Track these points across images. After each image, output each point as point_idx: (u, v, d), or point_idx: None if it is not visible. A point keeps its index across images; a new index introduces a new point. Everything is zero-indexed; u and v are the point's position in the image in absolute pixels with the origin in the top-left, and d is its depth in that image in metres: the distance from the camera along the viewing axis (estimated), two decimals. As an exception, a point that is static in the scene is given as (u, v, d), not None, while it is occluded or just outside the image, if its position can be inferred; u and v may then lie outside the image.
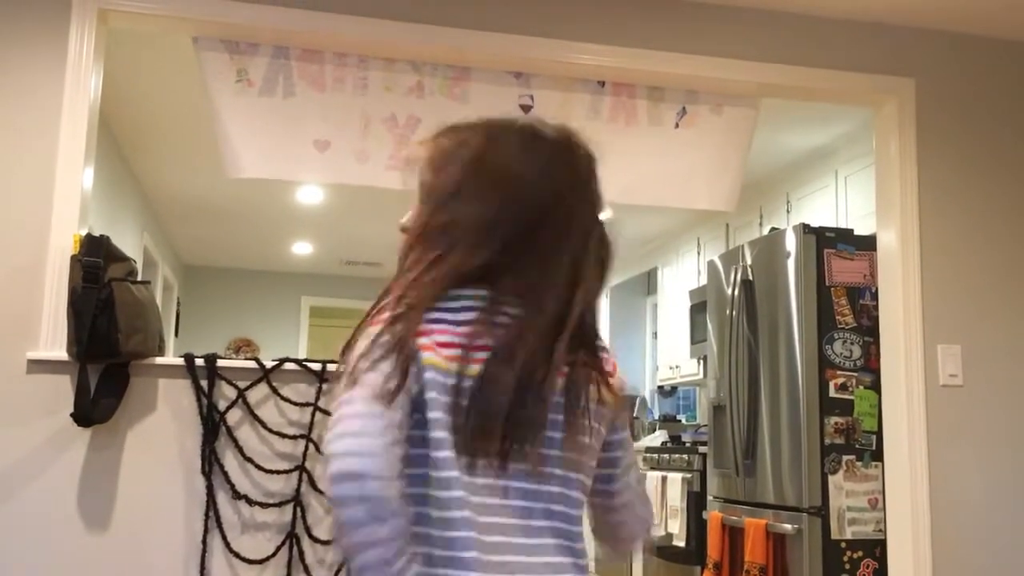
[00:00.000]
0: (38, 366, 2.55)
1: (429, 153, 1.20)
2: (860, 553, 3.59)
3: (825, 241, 3.78)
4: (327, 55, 3.01)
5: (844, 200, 4.48)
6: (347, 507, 0.96)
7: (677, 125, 3.27)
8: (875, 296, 3.59)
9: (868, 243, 3.70)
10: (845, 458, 3.64)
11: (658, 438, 5.86)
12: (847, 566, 3.57)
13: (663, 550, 4.95)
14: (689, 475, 4.72)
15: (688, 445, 5.19)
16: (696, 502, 4.63)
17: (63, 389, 2.53)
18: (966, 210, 3.33)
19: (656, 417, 6.77)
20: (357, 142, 3.03)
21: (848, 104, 3.59)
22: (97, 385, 2.52)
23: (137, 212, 5.67)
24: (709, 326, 4.53)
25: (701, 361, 5.47)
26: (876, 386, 3.55)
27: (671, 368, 6.30)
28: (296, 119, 2.98)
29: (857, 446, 3.66)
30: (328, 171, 3.05)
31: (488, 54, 3.07)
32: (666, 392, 6.86)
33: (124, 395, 2.56)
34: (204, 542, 2.55)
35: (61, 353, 2.53)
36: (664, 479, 4.92)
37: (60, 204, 2.64)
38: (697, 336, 5.29)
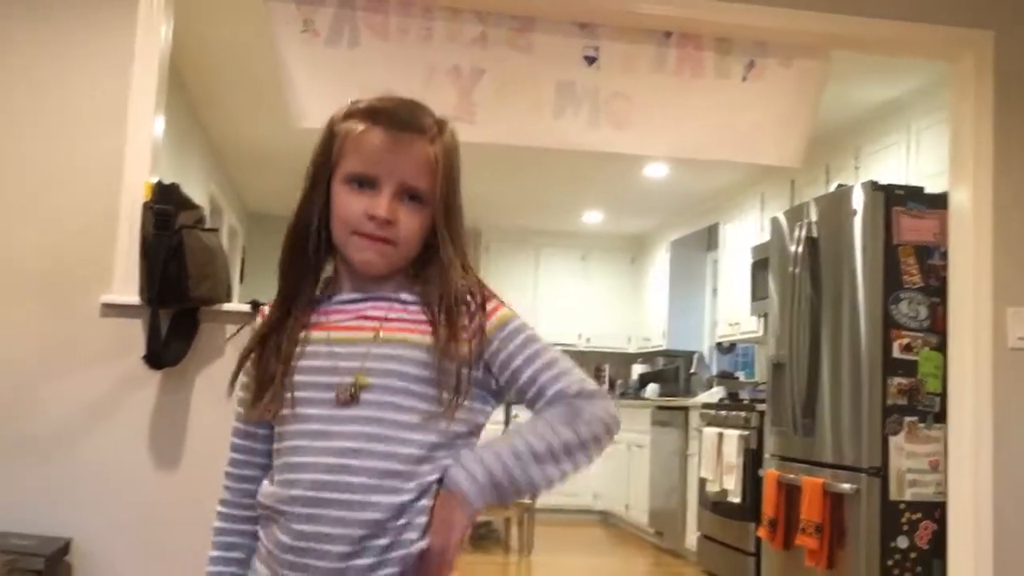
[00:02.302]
0: (111, 310, 2.64)
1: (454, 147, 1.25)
2: (919, 515, 3.56)
3: (894, 199, 3.70)
4: (392, 5, 3.01)
5: (915, 157, 4.37)
6: (605, 441, 1.19)
7: (745, 78, 3.21)
8: (944, 256, 3.51)
9: (939, 201, 3.61)
10: (907, 419, 3.59)
11: (715, 395, 5.84)
12: (905, 527, 3.54)
13: (718, 505, 4.96)
14: (746, 432, 4.71)
15: (746, 402, 5.17)
16: (752, 459, 4.62)
17: (135, 333, 2.61)
18: (1044, 169, 3.23)
19: (714, 374, 6.75)
20: (420, 93, 3.00)
21: (923, 57, 3.49)
22: (167, 329, 2.59)
23: (204, 160, 5.76)
24: (771, 283, 4.48)
25: (761, 318, 5.42)
26: (942, 347, 3.49)
27: (730, 325, 6.25)
28: (360, 69, 2.99)
29: (920, 408, 3.61)
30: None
31: (553, 4, 3.04)
32: (725, 349, 6.83)
33: (193, 339, 2.63)
34: (269, 483, 2.63)
35: (133, 297, 2.60)
36: (721, 436, 4.91)
37: (132, 152, 2.70)
38: (758, 293, 5.23)
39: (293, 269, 1.23)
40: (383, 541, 1.11)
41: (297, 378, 1.18)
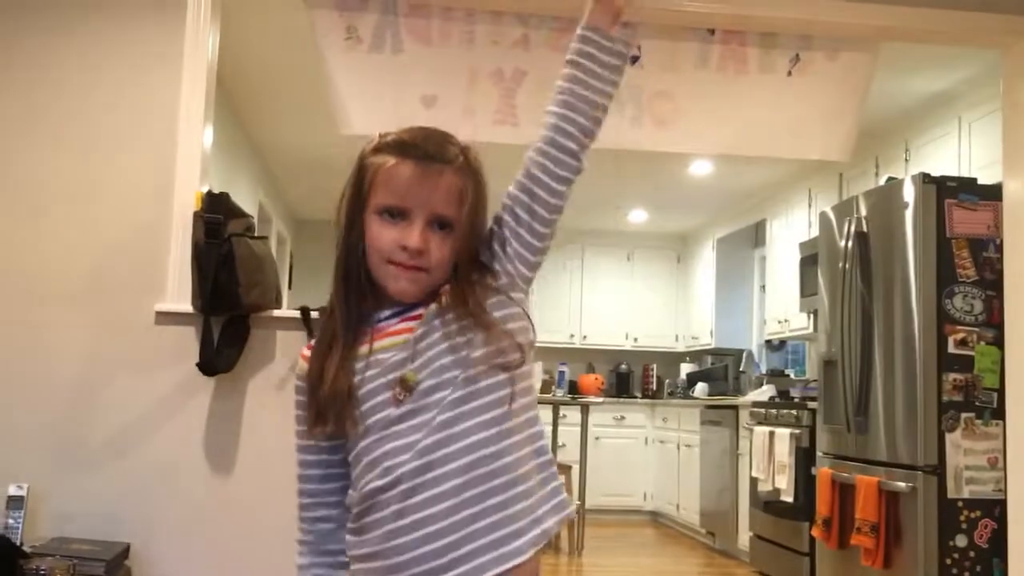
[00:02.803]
0: (165, 318, 2.68)
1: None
2: (978, 512, 3.49)
3: (946, 191, 3.63)
4: (434, 10, 3.02)
5: (967, 148, 4.28)
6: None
7: (790, 73, 3.17)
8: (999, 248, 3.44)
9: (992, 193, 3.54)
10: (964, 416, 3.52)
11: (766, 393, 5.78)
12: (964, 526, 3.48)
13: (770, 505, 4.91)
14: (798, 431, 4.65)
15: (797, 400, 5.11)
16: (804, 458, 4.56)
17: (188, 340, 2.66)
18: (1102, 157, 3.15)
19: (764, 371, 6.68)
20: (463, 97, 3.05)
21: (973, 46, 3.42)
22: (219, 336, 2.63)
23: (252, 168, 5.84)
24: (820, 279, 4.43)
25: (811, 315, 5.36)
26: (999, 342, 3.42)
27: (779, 322, 6.18)
28: (404, 75, 3.01)
29: (977, 403, 3.53)
30: (435, 126, 3.07)
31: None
32: (774, 346, 6.76)
33: (245, 346, 2.67)
34: (321, 487, 2.66)
35: (186, 305, 2.65)
36: (772, 434, 4.86)
37: (182, 162, 2.75)
38: (807, 290, 5.17)
39: (348, 295, 1.27)
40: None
41: (362, 391, 1.22)
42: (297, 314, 2.70)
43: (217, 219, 2.58)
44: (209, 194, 2.67)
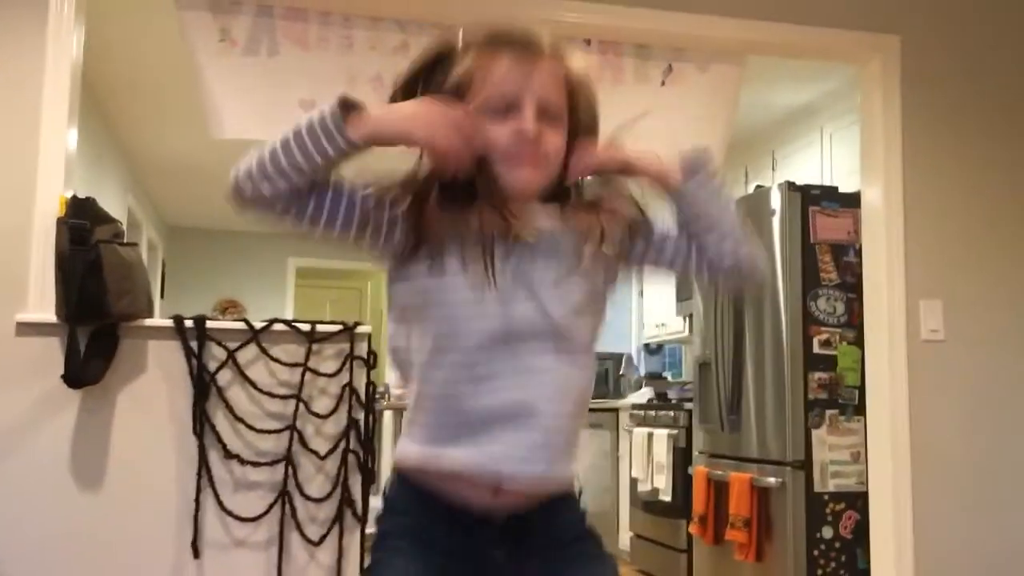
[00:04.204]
0: (27, 328, 2.56)
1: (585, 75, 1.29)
2: (842, 505, 3.65)
3: (810, 199, 3.80)
4: (311, 14, 2.99)
5: (829, 157, 4.50)
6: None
7: (663, 83, 3.27)
8: (859, 253, 3.62)
9: (853, 200, 3.72)
10: (828, 412, 3.69)
11: (644, 395, 5.91)
12: (829, 518, 3.64)
13: (649, 505, 5.02)
14: (675, 431, 4.77)
15: (674, 402, 5.24)
16: (682, 458, 4.69)
17: (53, 351, 2.54)
18: (949, 167, 3.35)
19: (642, 375, 6.83)
20: (342, 102, 3.01)
21: (833, 61, 3.59)
22: (87, 347, 2.52)
23: (121, 173, 5.63)
24: (695, 284, 4.56)
25: (687, 319, 5.51)
26: (859, 342, 3.60)
27: (657, 326, 6.34)
28: (281, 78, 2.96)
29: (840, 401, 3.71)
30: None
31: (473, 13, 3.05)
32: (652, 350, 6.92)
33: (114, 356, 2.57)
34: (197, 501, 2.58)
35: (50, 315, 2.53)
36: (650, 436, 4.97)
37: (45, 166, 2.62)
38: (683, 294, 5.32)
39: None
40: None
41: None
42: (170, 323, 2.62)
43: (82, 225, 2.48)
44: (74, 199, 2.56)
